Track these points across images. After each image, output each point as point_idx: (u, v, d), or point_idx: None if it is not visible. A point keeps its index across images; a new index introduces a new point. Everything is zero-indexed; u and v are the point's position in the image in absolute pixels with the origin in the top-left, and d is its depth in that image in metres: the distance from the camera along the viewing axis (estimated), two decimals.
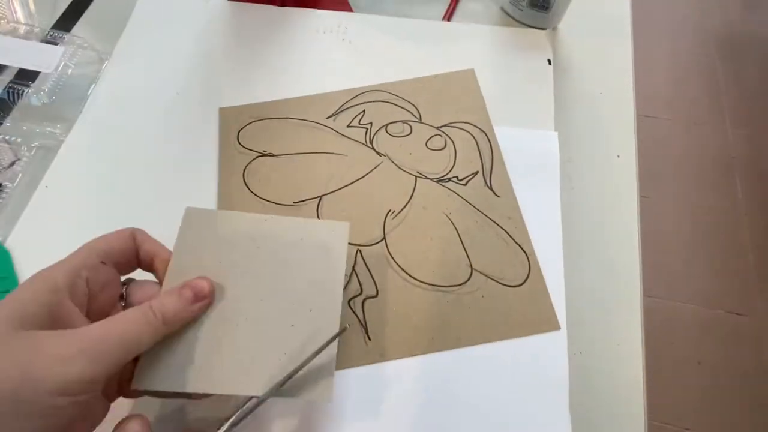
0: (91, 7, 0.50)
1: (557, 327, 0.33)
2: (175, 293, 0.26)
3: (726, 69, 1.44)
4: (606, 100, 0.43)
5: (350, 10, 0.49)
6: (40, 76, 0.44)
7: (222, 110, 0.43)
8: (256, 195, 0.38)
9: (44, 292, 0.23)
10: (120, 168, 0.40)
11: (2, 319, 0.21)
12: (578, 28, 0.48)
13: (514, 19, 0.48)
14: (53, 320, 0.22)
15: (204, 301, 0.27)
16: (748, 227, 1.18)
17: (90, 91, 0.44)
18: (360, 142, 0.41)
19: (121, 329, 0.23)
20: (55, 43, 0.46)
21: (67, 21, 0.49)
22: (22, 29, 0.47)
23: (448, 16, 0.49)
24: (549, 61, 0.45)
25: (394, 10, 0.49)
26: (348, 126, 0.42)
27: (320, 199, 0.38)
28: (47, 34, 0.46)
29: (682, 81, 1.43)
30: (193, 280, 0.27)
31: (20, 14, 0.48)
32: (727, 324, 1.06)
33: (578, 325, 0.33)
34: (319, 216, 0.37)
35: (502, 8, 0.49)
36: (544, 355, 0.32)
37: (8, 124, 0.42)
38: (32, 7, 0.49)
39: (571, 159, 0.40)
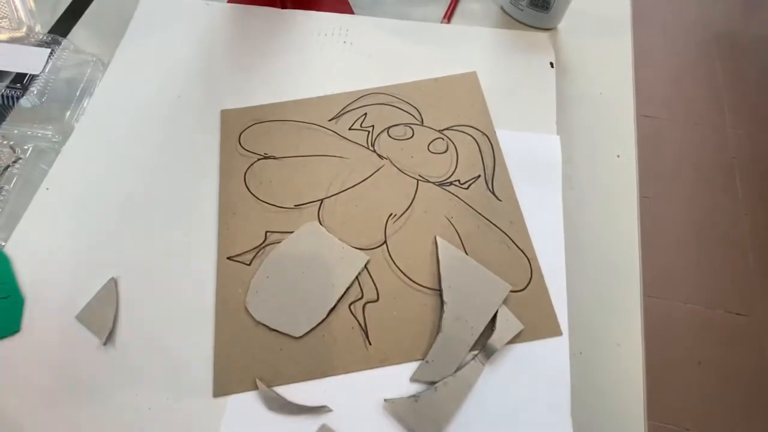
0: (90, 10, 0.50)
1: (559, 333, 0.33)
2: None
3: (726, 69, 1.44)
4: (606, 100, 0.43)
5: (351, 11, 0.49)
6: (30, 78, 0.44)
7: (224, 112, 0.43)
8: (257, 198, 0.38)
9: None
10: (120, 171, 0.40)
11: None
12: (578, 28, 0.47)
13: (514, 19, 0.48)
14: None
15: None
16: (748, 227, 1.18)
17: (79, 92, 0.44)
18: (362, 145, 0.41)
19: None
20: (42, 46, 0.45)
21: (65, 23, 0.49)
22: (6, 33, 0.47)
23: (448, 16, 0.49)
24: (551, 64, 0.45)
25: (394, 10, 0.49)
26: (350, 129, 0.42)
27: (321, 202, 0.38)
28: (32, 37, 0.46)
29: (682, 81, 1.42)
30: None
31: (22, 14, 0.48)
32: (727, 324, 1.06)
33: (578, 326, 0.33)
34: (320, 219, 0.37)
35: (502, 8, 0.49)
36: (545, 361, 0.32)
37: (6, 127, 0.42)
38: (32, 4, 0.49)
39: (572, 159, 0.40)
